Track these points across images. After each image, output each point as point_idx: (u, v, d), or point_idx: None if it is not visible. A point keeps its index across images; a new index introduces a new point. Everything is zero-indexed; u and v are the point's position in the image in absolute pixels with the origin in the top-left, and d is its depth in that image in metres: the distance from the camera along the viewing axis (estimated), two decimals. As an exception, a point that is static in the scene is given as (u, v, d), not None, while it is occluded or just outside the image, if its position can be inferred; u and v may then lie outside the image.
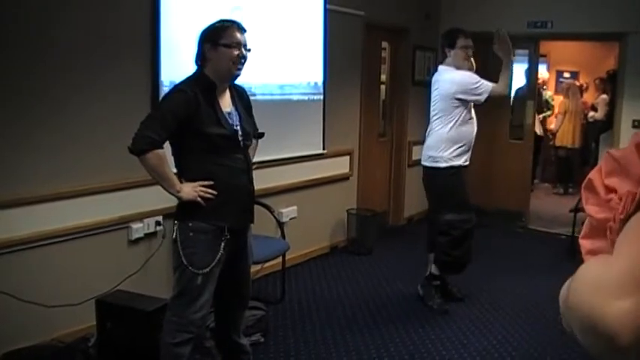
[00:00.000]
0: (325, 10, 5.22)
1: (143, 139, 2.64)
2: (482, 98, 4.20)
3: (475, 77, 4.22)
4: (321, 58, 5.25)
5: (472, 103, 4.25)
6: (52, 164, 3.39)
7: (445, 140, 4.21)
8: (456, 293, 4.56)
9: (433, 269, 4.40)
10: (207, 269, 2.73)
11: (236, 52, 2.71)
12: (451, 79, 4.21)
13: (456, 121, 4.19)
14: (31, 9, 3.24)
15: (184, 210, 2.76)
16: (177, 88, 2.76)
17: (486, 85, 4.18)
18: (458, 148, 4.23)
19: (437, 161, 4.24)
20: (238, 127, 2.79)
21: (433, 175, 4.29)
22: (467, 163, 4.32)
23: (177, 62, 3.78)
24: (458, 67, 4.25)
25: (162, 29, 3.82)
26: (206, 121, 2.68)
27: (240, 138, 2.79)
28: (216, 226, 2.74)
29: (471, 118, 4.27)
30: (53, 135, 3.39)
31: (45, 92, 3.33)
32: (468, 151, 4.30)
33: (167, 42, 3.84)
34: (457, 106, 4.18)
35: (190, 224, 2.73)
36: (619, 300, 0.62)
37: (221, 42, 2.70)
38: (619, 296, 0.62)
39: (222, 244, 2.76)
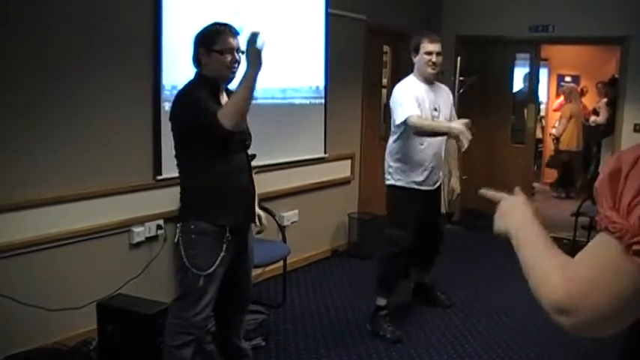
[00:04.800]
0: (327, 13, 5.24)
1: (208, 116, 2.58)
2: (396, 121, 3.83)
3: (404, 95, 3.80)
4: (323, 61, 5.26)
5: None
6: (52, 168, 3.38)
7: (387, 155, 3.99)
8: (444, 301, 4.50)
9: (377, 301, 4.07)
10: (210, 270, 2.74)
11: (229, 58, 2.72)
12: (396, 86, 3.94)
13: (399, 135, 3.89)
14: (30, 11, 3.25)
15: (186, 211, 2.77)
16: (187, 93, 2.74)
17: (404, 112, 3.72)
18: (402, 165, 3.92)
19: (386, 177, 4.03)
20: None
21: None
22: (426, 187, 3.95)
23: (178, 65, 3.77)
24: (422, 74, 3.92)
25: (164, 33, 3.83)
26: None
27: (242, 137, 2.82)
28: (219, 227, 2.76)
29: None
30: (53, 138, 3.38)
31: (46, 95, 3.33)
32: (425, 171, 3.92)
33: (168, 45, 3.85)
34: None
35: (192, 226, 2.74)
36: None
37: (214, 48, 2.71)
38: None
39: (224, 245, 2.77)
